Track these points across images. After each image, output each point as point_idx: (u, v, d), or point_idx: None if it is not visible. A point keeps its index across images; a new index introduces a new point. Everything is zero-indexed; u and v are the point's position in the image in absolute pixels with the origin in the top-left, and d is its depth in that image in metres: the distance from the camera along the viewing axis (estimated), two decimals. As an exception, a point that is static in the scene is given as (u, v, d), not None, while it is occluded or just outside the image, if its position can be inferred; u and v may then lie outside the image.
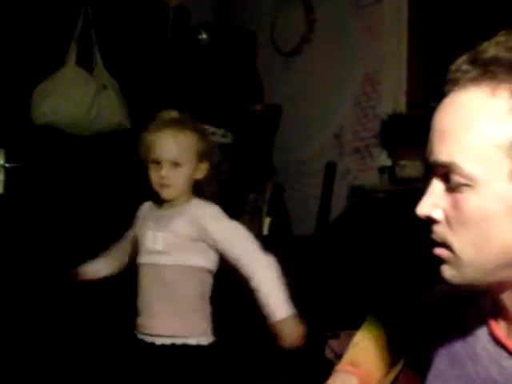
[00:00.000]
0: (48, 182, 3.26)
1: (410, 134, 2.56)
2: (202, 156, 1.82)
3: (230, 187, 3.51)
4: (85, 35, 3.30)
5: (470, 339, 0.90)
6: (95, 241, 3.27)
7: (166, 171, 1.76)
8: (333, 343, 2.15)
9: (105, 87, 3.28)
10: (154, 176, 1.79)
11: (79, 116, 3.20)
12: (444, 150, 0.79)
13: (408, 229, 2.34)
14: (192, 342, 1.77)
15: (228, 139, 3.55)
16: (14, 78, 3.15)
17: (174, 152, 1.77)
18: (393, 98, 2.94)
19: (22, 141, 3.19)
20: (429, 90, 2.82)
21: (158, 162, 1.78)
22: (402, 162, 2.61)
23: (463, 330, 0.91)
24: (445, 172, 0.80)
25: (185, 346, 1.76)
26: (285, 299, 1.69)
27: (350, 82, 3.19)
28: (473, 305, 0.92)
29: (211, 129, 3.48)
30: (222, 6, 3.92)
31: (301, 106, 3.50)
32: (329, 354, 2.15)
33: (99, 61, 3.32)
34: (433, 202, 0.82)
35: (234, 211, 3.45)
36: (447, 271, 0.82)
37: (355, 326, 1.18)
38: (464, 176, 0.78)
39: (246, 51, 3.76)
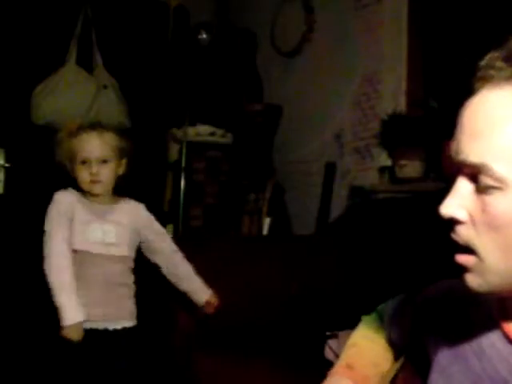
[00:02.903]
0: (48, 182, 3.26)
1: (410, 134, 2.55)
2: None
3: (230, 187, 3.51)
4: (85, 35, 3.30)
5: (475, 336, 0.88)
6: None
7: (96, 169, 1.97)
8: (332, 343, 2.15)
9: (105, 87, 3.28)
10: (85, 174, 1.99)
11: (79, 116, 3.20)
12: (474, 150, 0.75)
13: (408, 228, 2.34)
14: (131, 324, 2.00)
15: (228, 139, 3.55)
16: (14, 78, 3.15)
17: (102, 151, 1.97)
18: (393, 97, 2.93)
19: (22, 141, 3.19)
20: (429, 90, 2.81)
21: (85, 162, 1.99)
22: (402, 162, 2.60)
23: (468, 327, 0.90)
24: (473, 172, 0.76)
25: (135, 328, 2.00)
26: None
27: (350, 82, 3.18)
28: (478, 302, 0.90)
29: (211, 129, 3.49)
30: (221, 5, 3.92)
31: (301, 105, 3.49)
32: (328, 354, 2.15)
33: (99, 61, 3.33)
34: (458, 203, 0.77)
35: (234, 211, 3.47)
36: (472, 280, 0.78)
37: (355, 326, 1.18)
38: (495, 178, 0.73)
39: (246, 51, 3.76)
